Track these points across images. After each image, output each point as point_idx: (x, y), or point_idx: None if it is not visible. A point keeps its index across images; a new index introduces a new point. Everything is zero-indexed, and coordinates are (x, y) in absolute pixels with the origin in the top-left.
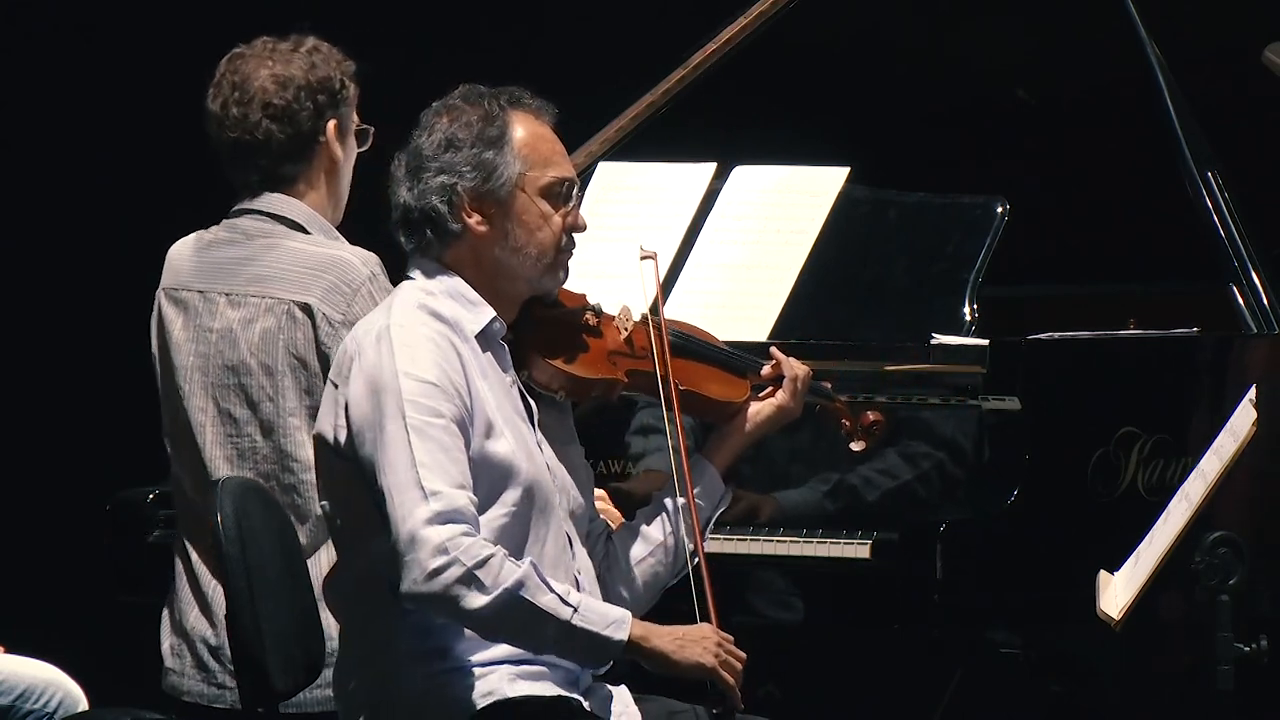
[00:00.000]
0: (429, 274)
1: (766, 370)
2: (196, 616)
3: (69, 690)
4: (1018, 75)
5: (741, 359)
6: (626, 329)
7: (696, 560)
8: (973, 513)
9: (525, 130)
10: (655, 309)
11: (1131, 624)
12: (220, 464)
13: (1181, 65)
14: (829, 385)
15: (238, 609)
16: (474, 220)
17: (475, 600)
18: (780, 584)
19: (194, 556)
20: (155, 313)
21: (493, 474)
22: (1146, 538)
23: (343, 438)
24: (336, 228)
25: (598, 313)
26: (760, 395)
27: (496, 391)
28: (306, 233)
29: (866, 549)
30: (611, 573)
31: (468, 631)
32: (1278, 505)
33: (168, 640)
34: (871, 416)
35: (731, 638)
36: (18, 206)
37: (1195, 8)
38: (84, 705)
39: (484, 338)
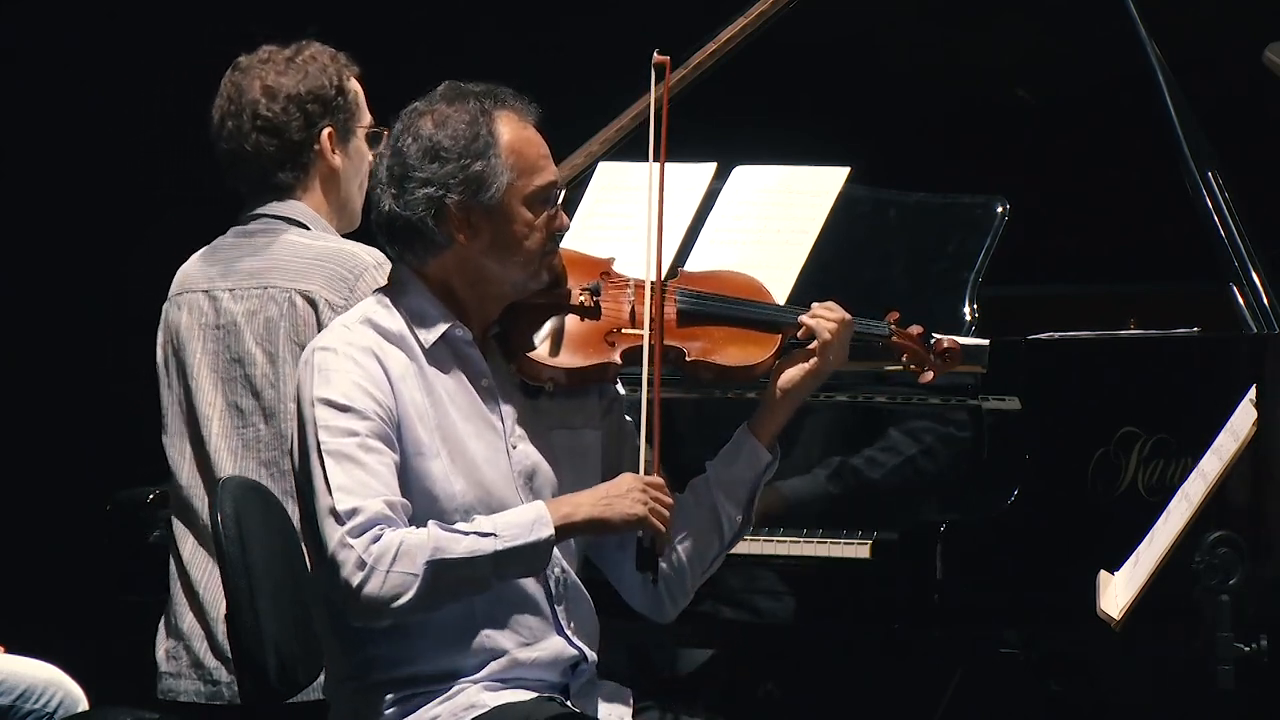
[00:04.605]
0: (400, 282)
1: (804, 330)
2: (191, 621)
3: (69, 690)
4: (1018, 75)
5: (771, 312)
6: (632, 301)
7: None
8: (973, 513)
9: (511, 135)
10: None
11: (1131, 624)
12: (224, 456)
13: (1181, 65)
14: (894, 318)
15: (238, 609)
16: (462, 231)
17: (409, 592)
18: (780, 584)
19: (186, 555)
20: (162, 321)
21: (421, 497)
22: (1146, 538)
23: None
24: (353, 235)
25: (595, 291)
26: (802, 346)
27: (449, 402)
28: (307, 229)
29: (866, 549)
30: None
31: (440, 649)
32: (1278, 505)
33: (163, 646)
34: (945, 343)
35: (659, 480)
36: (18, 207)
37: (1195, 8)
38: (84, 705)
39: (446, 345)
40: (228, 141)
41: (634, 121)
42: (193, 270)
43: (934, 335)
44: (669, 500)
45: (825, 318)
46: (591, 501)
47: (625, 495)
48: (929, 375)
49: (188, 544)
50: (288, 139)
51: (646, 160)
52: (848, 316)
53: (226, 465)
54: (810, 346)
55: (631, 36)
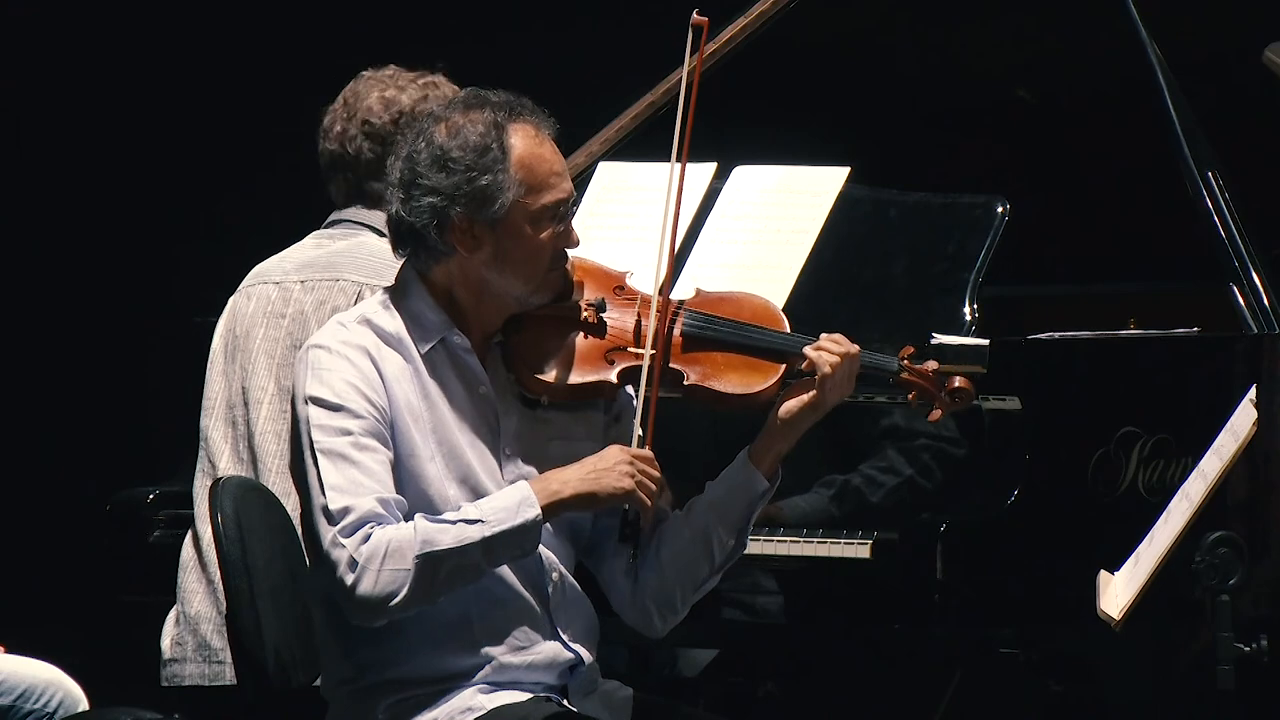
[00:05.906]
0: (404, 284)
1: (807, 363)
2: (201, 599)
3: (69, 690)
4: (1018, 75)
5: (778, 340)
6: (638, 318)
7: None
8: (973, 513)
9: (523, 150)
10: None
11: (1131, 624)
12: (270, 438)
13: (1182, 65)
14: (907, 353)
15: (238, 609)
16: (463, 243)
17: (403, 589)
18: (780, 584)
19: (206, 539)
20: (227, 310)
21: (416, 499)
22: (1147, 538)
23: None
24: None
25: (600, 307)
26: (807, 377)
27: (444, 407)
28: (385, 236)
29: (866, 549)
30: (645, 560)
31: (436, 653)
32: (1278, 505)
33: (170, 635)
34: (958, 382)
35: (647, 453)
36: (19, 207)
37: (1195, 8)
38: (84, 705)
39: (444, 351)
40: (332, 142)
41: (634, 121)
42: (267, 265)
43: (946, 373)
44: (656, 474)
45: (829, 350)
46: (579, 477)
47: (613, 469)
48: (937, 413)
49: (209, 528)
50: (389, 150)
51: (646, 161)
52: (854, 350)
53: (271, 446)
54: (814, 377)
55: (632, 37)
